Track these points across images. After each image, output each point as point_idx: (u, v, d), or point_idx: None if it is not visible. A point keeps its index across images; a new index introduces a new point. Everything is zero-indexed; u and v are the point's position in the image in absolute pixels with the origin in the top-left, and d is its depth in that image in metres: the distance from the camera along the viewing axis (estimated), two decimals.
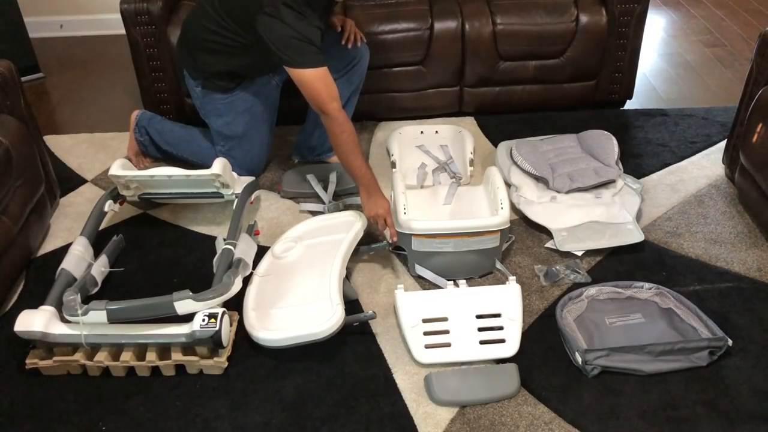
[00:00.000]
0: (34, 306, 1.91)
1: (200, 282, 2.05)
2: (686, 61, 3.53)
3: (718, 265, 2.19)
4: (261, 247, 2.28)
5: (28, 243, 2.26)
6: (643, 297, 2.04)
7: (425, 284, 2.16)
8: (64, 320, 1.89)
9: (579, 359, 1.83)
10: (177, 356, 1.85)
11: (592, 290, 2.06)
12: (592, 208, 2.35)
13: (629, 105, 3.12)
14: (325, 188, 2.55)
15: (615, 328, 1.95)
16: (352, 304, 2.08)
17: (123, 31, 2.84)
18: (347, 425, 1.73)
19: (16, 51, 3.37)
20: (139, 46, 2.81)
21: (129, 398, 1.82)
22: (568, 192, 2.42)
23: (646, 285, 2.06)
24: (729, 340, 1.85)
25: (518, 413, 1.75)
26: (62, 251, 2.20)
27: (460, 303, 2.00)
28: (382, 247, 2.23)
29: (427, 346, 1.89)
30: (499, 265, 2.18)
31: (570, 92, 2.99)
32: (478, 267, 2.17)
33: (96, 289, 2.09)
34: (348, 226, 2.19)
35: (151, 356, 1.84)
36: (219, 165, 2.26)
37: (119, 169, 2.31)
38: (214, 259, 2.09)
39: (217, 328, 1.81)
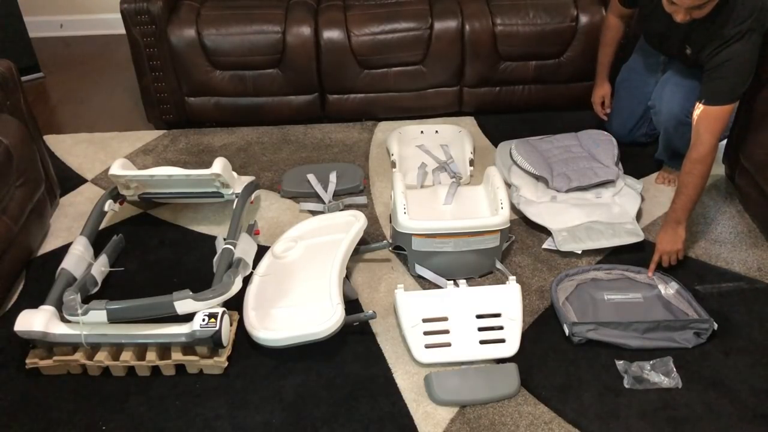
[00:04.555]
0: (34, 306, 1.91)
1: (200, 282, 2.05)
2: None
3: (718, 265, 2.19)
4: (261, 247, 2.28)
5: (28, 243, 2.26)
6: (645, 281, 2.11)
7: (425, 284, 2.16)
8: (64, 320, 1.89)
9: (567, 331, 1.93)
10: (177, 356, 1.85)
11: (590, 273, 2.14)
12: (593, 208, 2.35)
13: None
14: (325, 188, 2.55)
15: (609, 304, 2.03)
16: (352, 304, 2.08)
17: (123, 31, 2.84)
18: (347, 425, 1.73)
19: (16, 51, 3.37)
20: (139, 46, 2.81)
21: (129, 398, 1.82)
22: (567, 191, 2.42)
23: (656, 273, 2.12)
24: (714, 323, 1.90)
25: (518, 413, 1.75)
26: (62, 251, 2.20)
27: (460, 303, 2.00)
28: (382, 247, 2.23)
29: (427, 346, 1.89)
30: (499, 265, 2.18)
31: (570, 92, 2.99)
32: (478, 267, 2.17)
33: (96, 289, 2.09)
34: (348, 226, 2.19)
35: (151, 356, 1.84)
36: (219, 165, 2.26)
37: (119, 168, 2.31)
38: (214, 259, 2.09)
39: (217, 328, 1.81)
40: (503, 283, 2.10)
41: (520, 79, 2.95)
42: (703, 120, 2.10)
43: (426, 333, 1.92)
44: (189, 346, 1.86)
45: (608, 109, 2.78)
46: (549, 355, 1.90)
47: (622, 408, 1.75)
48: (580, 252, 2.23)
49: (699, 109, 2.11)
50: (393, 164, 2.67)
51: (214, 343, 1.83)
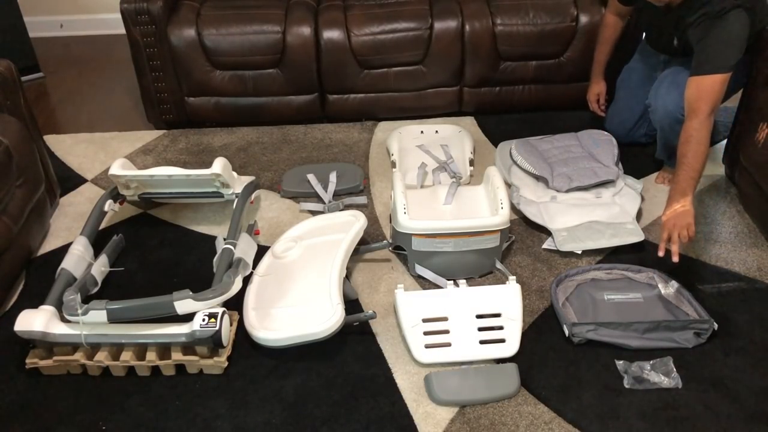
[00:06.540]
0: (34, 306, 1.91)
1: (200, 282, 2.05)
2: None
3: (718, 265, 2.19)
4: (261, 247, 2.28)
5: (28, 243, 2.26)
6: (645, 281, 2.11)
7: (425, 284, 2.16)
8: (64, 320, 1.89)
9: (566, 332, 1.92)
10: (177, 356, 1.85)
11: (590, 273, 2.14)
12: (592, 208, 2.35)
13: None
14: (325, 188, 2.55)
15: (609, 305, 2.03)
16: (352, 304, 2.08)
17: (123, 31, 2.84)
18: (347, 425, 1.73)
19: (16, 51, 3.37)
20: (139, 46, 2.82)
21: (129, 398, 1.82)
22: (567, 191, 2.42)
23: (656, 273, 2.11)
24: (714, 323, 1.90)
25: (518, 413, 1.75)
26: (62, 251, 2.20)
27: (460, 303, 2.00)
28: (382, 247, 2.23)
29: (427, 346, 1.89)
30: (499, 265, 2.18)
31: (570, 92, 2.99)
32: (478, 267, 2.17)
33: (96, 289, 2.09)
34: (348, 226, 2.19)
35: (151, 356, 1.84)
36: (219, 165, 2.26)
37: (119, 168, 2.31)
38: (214, 259, 2.09)
39: (217, 328, 1.81)
40: (503, 283, 2.10)
41: (520, 79, 2.95)
42: (695, 91, 2.11)
43: (426, 333, 1.92)
44: (189, 346, 1.86)
45: (603, 105, 2.79)
46: (549, 355, 1.90)
47: (622, 408, 1.75)
48: (580, 252, 2.23)
49: (690, 83, 2.12)
50: (393, 164, 2.67)
51: (214, 343, 1.83)
